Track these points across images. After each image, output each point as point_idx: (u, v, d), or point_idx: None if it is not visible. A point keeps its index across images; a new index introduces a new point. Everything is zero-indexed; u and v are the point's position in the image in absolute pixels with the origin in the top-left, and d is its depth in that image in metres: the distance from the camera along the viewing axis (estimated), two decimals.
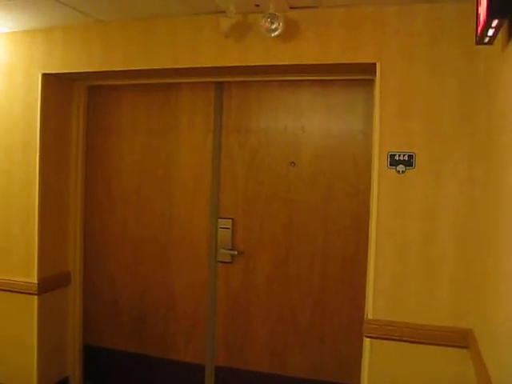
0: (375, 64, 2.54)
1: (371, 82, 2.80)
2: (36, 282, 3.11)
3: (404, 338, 2.48)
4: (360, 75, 2.83)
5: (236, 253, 3.11)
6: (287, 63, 2.67)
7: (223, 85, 3.14)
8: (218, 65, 2.77)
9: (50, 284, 3.23)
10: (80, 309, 3.48)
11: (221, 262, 3.16)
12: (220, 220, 3.16)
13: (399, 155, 2.48)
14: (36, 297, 3.12)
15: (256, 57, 2.70)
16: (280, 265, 3.06)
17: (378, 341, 2.53)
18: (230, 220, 3.13)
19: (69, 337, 3.46)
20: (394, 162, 2.49)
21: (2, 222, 3.23)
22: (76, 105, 3.41)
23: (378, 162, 2.53)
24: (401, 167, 2.48)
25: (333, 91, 2.96)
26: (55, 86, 3.23)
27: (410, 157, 2.47)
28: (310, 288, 3.01)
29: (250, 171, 3.10)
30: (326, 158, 2.97)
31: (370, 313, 2.55)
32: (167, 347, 3.31)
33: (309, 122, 3.00)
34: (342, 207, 2.95)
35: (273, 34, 2.51)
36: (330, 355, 2.99)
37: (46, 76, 3.12)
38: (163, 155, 3.29)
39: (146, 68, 2.92)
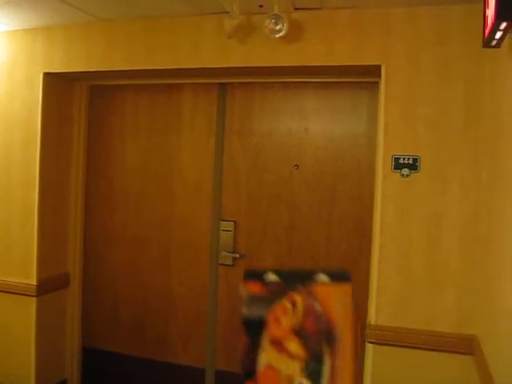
0: (380, 66, 2.51)
1: (376, 84, 2.78)
2: (35, 283, 3.08)
3: (407, 344, 2.45)
4: (365, 77, 2.80)
5: (238, 256, 3.07)
6: (291, 65, 2.64)
7: (226, 86, 3.11)
8: (220, 66, 2.74)
9: (49, 285, 3.20)
10: (79, 311, 3.45)
11: (222, 264, 3.13)
12: (222, 222, 3.13)
13: (404, 158, 2.45)
14: (35, 298, 3.09)
15: (260, 58, 2.67)
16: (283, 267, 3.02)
17: (381, 347, 2.49)
18: (232, 222, 3.10)
19: (67, 339, 3.42)
20: (398, 165, 2.46)
21: (1, 222, 3.20)
22: (77, 104, 3.39)
23: (383, 165, 2.50)
24: (405, 171, 2.45)
25: (337, 93, 2.93)
26: (56, 85, 3.20)
27: (415, 160, 2.43)
28: None
29: (253, 173, 3.07)
30: (330, 161, 2.94)
31: (373, 318, 2.52)
32: (167, 350, 3.28)
33: (312, 125, 2.97)
34: (345, 210, 2.91)
35: (277, 35, 2.48)
36: None
37: (47, 75, 3.09)
38: (165, 156, 3.26)
39: (148, 68, 2.89)
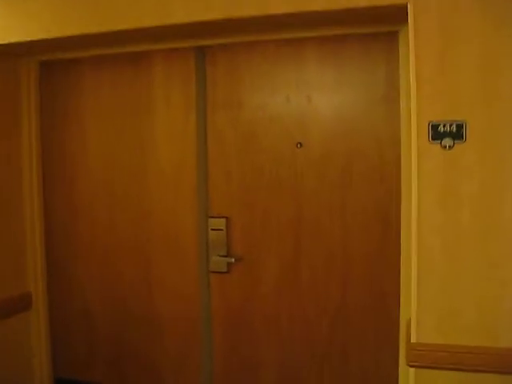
0: (404, 7, 1.90)
1: (395, 34, 2.19)
2: None
3: (459, 366, 1.88)
4: (380, 27, 2.20)
5: (233, 260, 2.48)
6: (287, 11, 2.02)
7: (205, 50, 2.50)
8: (195, 19, 2.11)
9: (2, 310, 2.60)
10: (46, 336, 2.85)
11: (214, 272, 2.54)
12: (211, 220, 2.53)
13: (444, 125, 1.85)
14: None
15: (245, 6, 2.05)
16: (289, 272, 2.43)
17: (426, 370, 1.92)
18: (224, 219, 2.50)
19: (36, 370, 2.83)
20: (437, 134, 1.86)
21: None
22: (26, 86, 2.75)
23: (416, 136, 1.90)
24: (447, 141, 1.85)
25: (346, 50, 2.32)
26: None
27: (460, 127, 1.84)
28: (328, 301, 2.39)
29: (246, 156, 2.47)
30: (341, 136, 2.34)
31: (413, 335, 1.94)
32: (153, 382, 2.69)
33: (316, 91, 2.36)
34: (363, 197, 2.32)
35: None
36: None
37: None
38: (136, 142, 2.65)
39: (105, 31, 2.26)
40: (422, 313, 1.92)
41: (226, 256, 2.50)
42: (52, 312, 2.88)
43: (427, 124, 1.87)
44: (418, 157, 1.90)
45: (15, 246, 2.70)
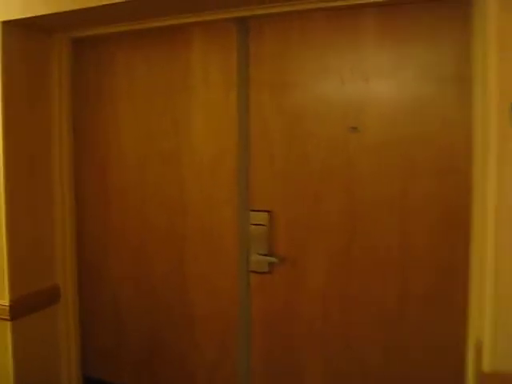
0: None
1: (467, 2, 1.84)
2: (7, 303, 2.31)
3: None
4: None
5: (275, 260, 2.21)
6: None
7: (249, 22, 2.22)
8: None
9: (29, 304, 2.43)
10: (75, 332, 2.67)
11: (254, 272, 2.27)
12: (252, 214, 2.27)
13: None
14: (9, 323, 2.32)
15: None
16: (338, 276, 2.14)
17: None
18: (266, 213, 2.23)
19: (63, 368, 2.65)
20: None
21: None
22: (57, 65, 2.56)
23: (497, 121, 1.58)
24: None
25: (409, 19, 1.99)
26: (24, 40, 2.38)
27: None
28: (382, 312, 2.08)
29: (293, 142, 2.18)
30: (402, 119, 2.01)
31: (486, 362, 1.61)
32: None
33: (375, 69, 2.04)
34: (429, 191, 1.99)
35: None
36: None
37: (6, 25, 2.28)
38: (171, 124, 2.41)
39: None
40: (500, 334, 1.59)
41: (267, 255, 2.23)
42: (81, 306, 2.70)
43: (511, 106, 1.54)
44: (498, 143, 1.57)
45: (43, 236, 2.53)
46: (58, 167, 2.58)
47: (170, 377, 2.51)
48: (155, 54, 2.41)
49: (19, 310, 2.36)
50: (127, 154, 2.53)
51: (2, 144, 2.29)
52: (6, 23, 2.28)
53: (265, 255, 2.23)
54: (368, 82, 2.05)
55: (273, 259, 2.20)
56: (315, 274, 2.17)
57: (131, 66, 2.48)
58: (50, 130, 2.56)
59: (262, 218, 2.24)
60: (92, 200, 2.63)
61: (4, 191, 2.30)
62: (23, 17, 2.24)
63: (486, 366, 1.60)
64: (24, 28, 2.36)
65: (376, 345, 2.09)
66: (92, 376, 2.72)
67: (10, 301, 2.32)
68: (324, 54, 2.11)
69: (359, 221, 2.09)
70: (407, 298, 2.03)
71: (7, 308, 2.31)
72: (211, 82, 2.30)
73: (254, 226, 2.26)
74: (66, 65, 2.58)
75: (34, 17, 2.24)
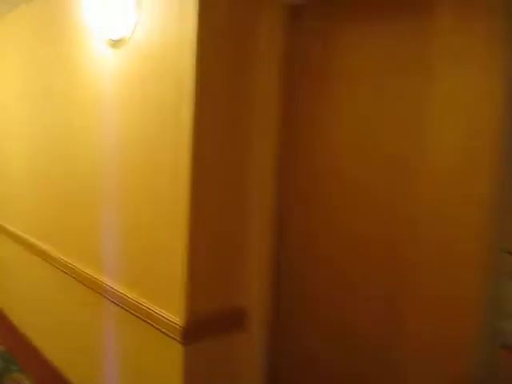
0: None
1: None
2: (180, 324, 1.93)
3: None
4: None
5: None
6: None
7: None
8: None
9: (208, 327, 2.03)
10: (260, 365, 2.18)
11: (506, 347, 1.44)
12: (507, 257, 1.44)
13: None
14: (182, 346, 1.95)
15: None
16: None
17: None
18: None
19: None
20: None
21: (147, 221, 2.15)
22: (266, 37, 2.07)
23: None
24: None
25: None
26: (223, 4, 1.94)
27: None
28: None
29: None
30: None
31: None
32: None
33: None
34: None
35: None
36: None
37: None
38: (401, 116, 1.71)
39: None
40: None
41: None
42: (272, 334, 2.21)
43: None
44: None
45: (231, 249, 2.09)
46: (257, 167, 2.10)
47: None
48: (387, 23, 1.73)
49: (195, 332, 1.97)
50: (342, 156, 1.93)
51: (190, 156, 1.89)
52: None
53: None
54: None
55: None
56: None
57: (359, 41, 1.85)
58: (250, 123, 2.09)
59: None
60: (298, 205, 2.11)
61: (189, 192, 1.91)
62: None
63: None
64: None
65: None
66: None
67: (186, 321, 1.94)
68: None
69: None
70: None
71: (181, 329, 1.93)
72: (464, 61, 1.51)
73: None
74: (278, 39, 2.08)
75: None
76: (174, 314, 1.97)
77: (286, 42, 2.08)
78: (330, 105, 1.99)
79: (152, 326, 2.07)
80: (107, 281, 2.34)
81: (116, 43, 2.23)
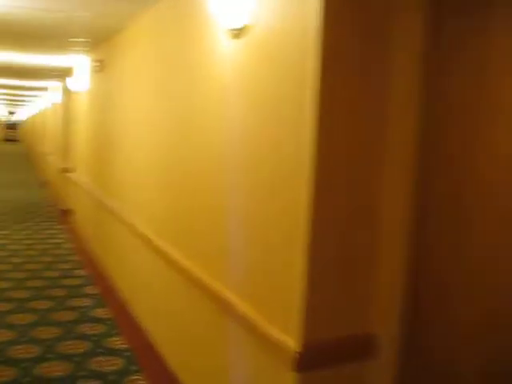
0: None
1: None
2: (295, 349, 1.70)
3: None
4: None
5: None
6: None
7: None
8: None
9: (327, 353, 1.78)
10: None
11: None
12: None
13: None
14: (295, 374, 1.71)
15: None
16: None
17: None
18: None
19: None
20: None
21: (262, 228, 1.97)
22: (405, 29, 1.76)
23: None
24: None
25: None
26: None
27: None
28: None
29: None
30: None
31: None
32: None
33: None
34: None
35: None
36: None
37: None
38: None
39: None
40: None
41: None
42: (404, 360, 1.87)
43: None
44: None
45: (358, 265, 1.81)
46: (390, 174, 1.80)
47: None
48: None
49: (312, 358, 1.73)
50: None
51: (313, 160, 1.67)
52: None
53: None
54: None
55: None
56: None
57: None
58: (385, 120, 1.79)
59: None
60: (442, 217, 1.77)
61: (311, 201, 1.67)
62: None
63: None
64: None
65: None
66: None
67: (302, 345, 1.70)
68: None
69: None
70: None
71: (293, 354, 1.69)
72: None
73: None
74: (414, 23, 1.77)
75: None
76: (286, 336, 1.75)
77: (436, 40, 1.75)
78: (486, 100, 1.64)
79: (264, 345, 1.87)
80: (230, 297, 2.17)
81: (237, 33, 2.10)
